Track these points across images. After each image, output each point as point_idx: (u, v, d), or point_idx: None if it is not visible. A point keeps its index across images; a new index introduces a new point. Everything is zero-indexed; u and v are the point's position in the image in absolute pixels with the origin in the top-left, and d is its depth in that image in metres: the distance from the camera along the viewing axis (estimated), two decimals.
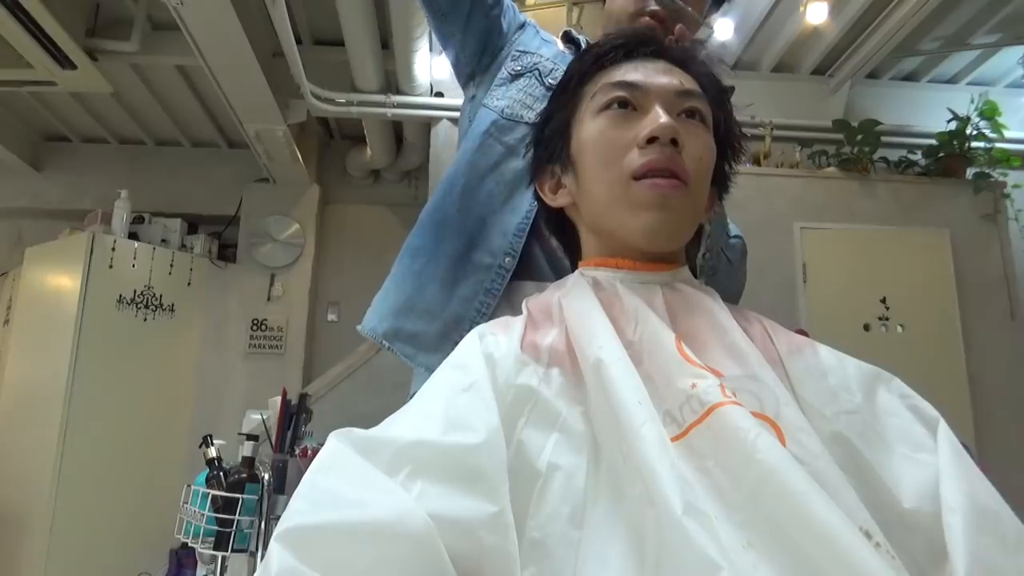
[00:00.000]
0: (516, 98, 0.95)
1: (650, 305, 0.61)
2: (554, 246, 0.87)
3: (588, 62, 0.70)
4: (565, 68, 0.75)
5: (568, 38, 1.05)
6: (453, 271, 0.91)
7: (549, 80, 0.95)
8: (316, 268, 3.91)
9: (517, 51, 1.01)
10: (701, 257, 0.81)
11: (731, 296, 0.92)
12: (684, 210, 0.64)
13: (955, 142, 3.14)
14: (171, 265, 3.56)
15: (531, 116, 0.92)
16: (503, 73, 0.99)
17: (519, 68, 0.98)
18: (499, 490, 0.47)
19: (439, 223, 0.95)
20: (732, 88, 0.73)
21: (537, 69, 0.96)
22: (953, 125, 3.15)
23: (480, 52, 1.02)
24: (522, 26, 1.04)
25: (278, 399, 1.59)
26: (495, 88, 0.98)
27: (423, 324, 0.91)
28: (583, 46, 1.01)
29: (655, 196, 0.62)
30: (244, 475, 1.38)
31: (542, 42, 1.02)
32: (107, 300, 3.27)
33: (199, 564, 1.40)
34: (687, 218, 0.65)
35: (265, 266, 3.81)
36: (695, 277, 0.82)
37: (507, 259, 0.89)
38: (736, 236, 0.94)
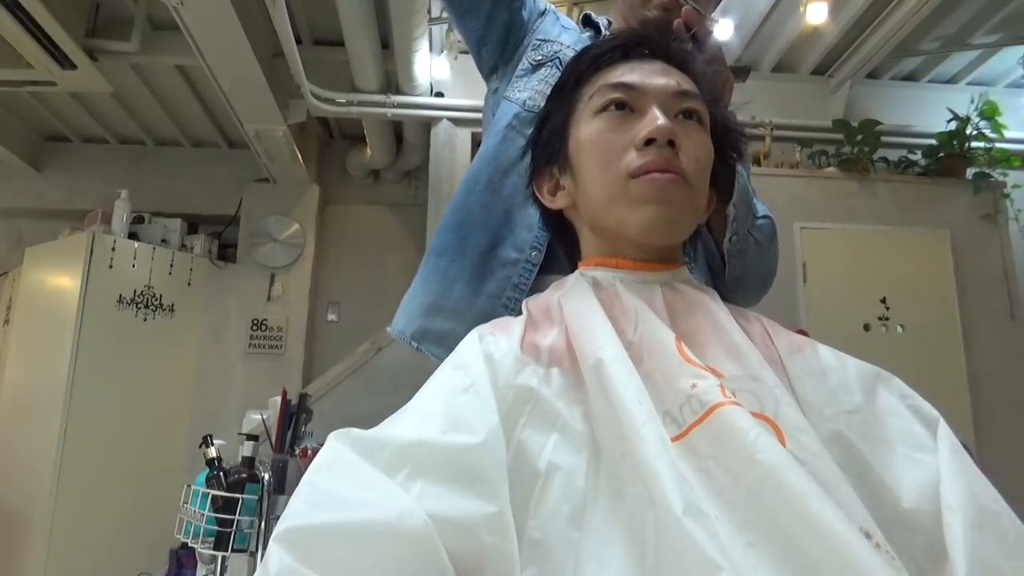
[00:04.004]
0: (538, 88, 0.94)
1: (650, 305, 0.61)
2: None
3: (585, 63, 0.70)
4: None
5: (587, 21, 1.04)
6: (479, 268, 0.90)
7: None
8: (316, 268, 3.91)
9: (538, 40, 0.99)
10: (728, 241, 0.79)
11: (763, 275, 0.90)
12: (683, 204, 0.63)
13: (955, 142, 3.14)
14: (171, 265, 3.56)
15: None
16: (524, 64, 0.98)
17: (540, 58, 0.97)
18: (498, 490, 0.47)
19: (463, 220, 0.93)
20: (748, 69, 0.72)
21: (558, 58, 0.95)
22: (953, 125, 3.15)
23: (503, 44, 1.00)
24: (542, 13, 1.03)
25: (278, 399, 1.59)
26: (516, 80, 0.98)
27: (451, 323, 0.89)
28: (603, 29, 1.01)
29: (654, 189, 0.62)
30: (244, 475, 1.38)
31: (562, 29, 1.01)
32: (107, 300, 3.26)
33: (199, 564, 1.40)
34: (686, 213, 0.65)
35: (265, 266, 3.81)
36: (723, 262, 0.81)
37: (534, 253, 0.88)
38: (764, 216, 0.91)
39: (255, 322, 3.75)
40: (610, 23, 1.03)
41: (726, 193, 0.75)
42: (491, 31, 0.99)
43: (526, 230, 0.89)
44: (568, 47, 0.96)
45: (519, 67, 0.98)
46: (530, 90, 0.94)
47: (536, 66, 0.97)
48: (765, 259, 0.90)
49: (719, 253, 0.84)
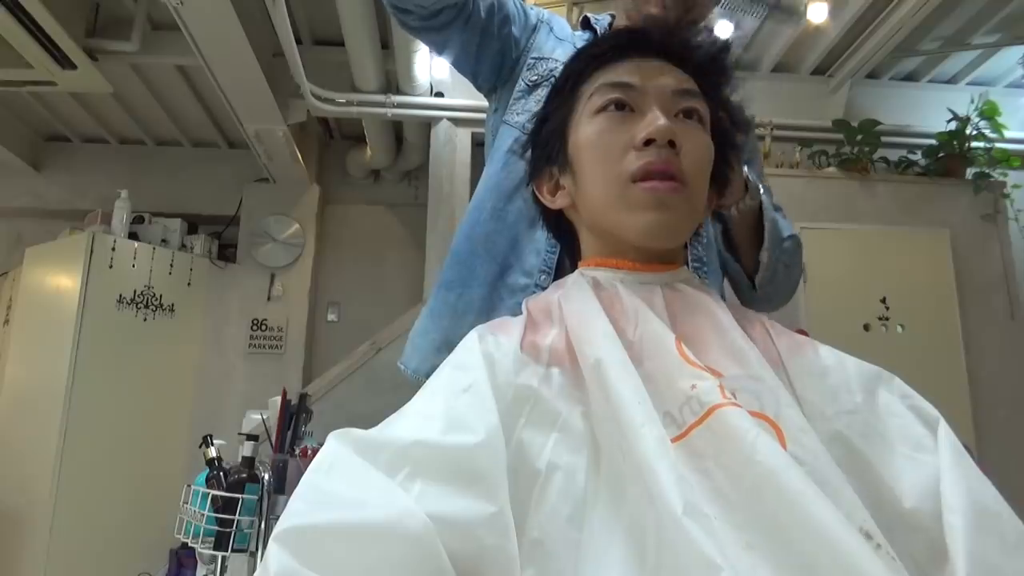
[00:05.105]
0: (535, 111, 0.92)
1: (650, 305, 0.61)
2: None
3: (585, 62, 0.70)
4: None
5: (586, 24, 1.03)
6: (489, 298, 0.90)
7: None
8: (316, 268, 3.91)
9: (532, 58, 0.98)
10: (761, 277, 0.82)
11: (788, 291, 0.91)
12: (682, 210, 0.63)
13: (955, 142, 3.14)
14: (171, 265, 3.56)
15: None
16: (521, 84, 0.97)
17: (535, 78, 0.96)
18: (499, 490, 0.47)
19: (470, 252, 0.93)
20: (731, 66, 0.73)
21: (553, 76, 0.94)
22: (953, 125, 3.15)
23: (499, 69, 1.00)
24: (535, 28, 1.01)
25: (278, 399, 1.59)
26: (514, 102, 0.97)
27: None
28: (599, 33, 1.01)
29: (653, 199, 0.61)
30: (244, 475, 1.38)
31: (557, 42, 1.00)
32: (107, 300, 3.26)
33: (199, 564, 1.40)
34: (685, 218, 0.65)
35: (265, 266, 3.81)
36: (751, 281, 0.84)
37: (543, 276, 0.88)
38: (790, 236, 0.91)
39: (255, 322, 3.75)
40: (613, 18, 1.03)
41: (727, 191, 0.75)
42: (483, 64, 0.99)
43: (534, 255, 0.89)
44: (563, 64, 0.96)
45: (516, 88, 0.98)
46: (528, 112, 0.94)
47: (533, 86, 0.96)
48: (791, 278, 0.90)
49: (747, 278, 0.86)
